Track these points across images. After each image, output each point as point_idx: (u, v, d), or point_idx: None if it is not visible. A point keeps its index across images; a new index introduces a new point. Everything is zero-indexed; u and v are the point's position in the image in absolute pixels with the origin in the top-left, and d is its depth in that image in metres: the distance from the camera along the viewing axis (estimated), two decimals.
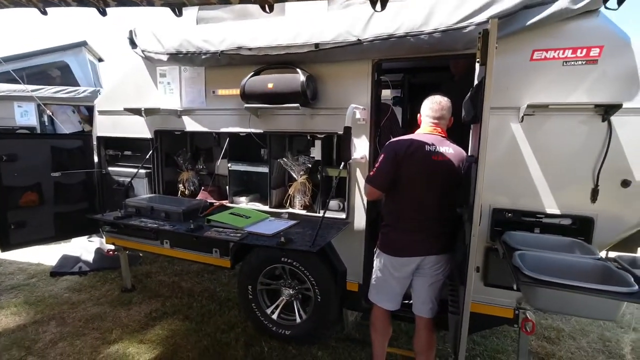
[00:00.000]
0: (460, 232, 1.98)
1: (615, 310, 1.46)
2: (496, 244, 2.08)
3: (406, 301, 2.27)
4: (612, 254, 1.94)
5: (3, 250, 3.11)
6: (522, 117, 2.01)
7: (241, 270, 2.90)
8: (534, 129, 2.03)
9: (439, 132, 2.08)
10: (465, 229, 1.78)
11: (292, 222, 2.63)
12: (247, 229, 2.45)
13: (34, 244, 3.34)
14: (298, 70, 2.47)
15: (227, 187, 3.12)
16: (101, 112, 3.43)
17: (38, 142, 3.35)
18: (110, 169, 3.53)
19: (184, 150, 3.46)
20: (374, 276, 2.24)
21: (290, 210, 2.84)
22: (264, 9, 1.46)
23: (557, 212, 2.05)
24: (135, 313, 3.25)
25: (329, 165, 2.80)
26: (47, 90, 5.42)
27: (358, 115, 2.42)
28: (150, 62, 3.03)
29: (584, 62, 1.90)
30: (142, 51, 2.95)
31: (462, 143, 2.16)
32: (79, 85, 6.37)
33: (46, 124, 5.89)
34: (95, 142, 3.54)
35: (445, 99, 2.10)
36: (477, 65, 1.94)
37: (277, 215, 2.81)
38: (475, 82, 2.05)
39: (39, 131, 5.74)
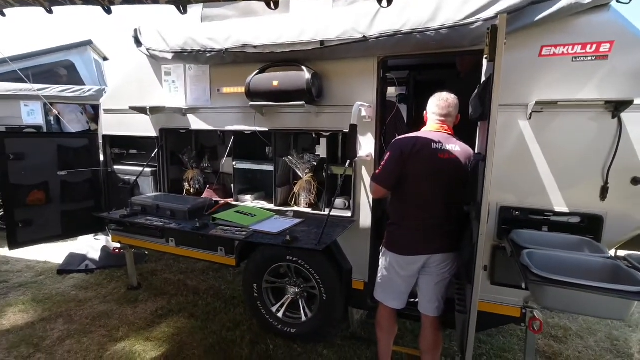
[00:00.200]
0: (467, 231, 1.96)
1: (625, 310, 1.44)
2: (504, 242, 2.07)
3: (412, 299, 2.26)
4: (621, 253, 1.92)
5: (11, 249, 3.14)
6: (530, 114, 1.98)
7: (246, 268, 2.91)
8: (542, 126, 2.00)
9: (446, 130, 2.06)
10: (472, 227, 1.76)
11: (298, 221, 2.62)
12: (252, 227, 2.45)
13: (41, 242, 3.36)
14: (303, 67, 2.45)
15: (232, 185, 3.12)
16: (107, 111, 3.44)
17: (45, 141, 3.36)
18: (116, 167, 3.55)
19: (189, 148, 3.46)
20: (379, 274, 2.24)
21: (296, 208, 2.83)
22: (269, 5, 1.45)
23: (565, 210, 2.03)
24: (142, 311, 3.28)
25: (334, 163, 2.79)
26: (53, 89, 5.45)
27: (364, 113, 2.41)
28: (155, 60, 3.03)
29: (594, 58, 1.87)
30: (147, 49, 2.96)
31: (469, 141, 2.14)
32: (84, 84, 6.40)
33: (52, 122, 5.93)
34: (101, 141, 3.56)
35: (452, 96, 2.08)
36: (485, 62, 1.91)
37: (283, 214, 2.80)
38: (483, 78, 2.02)
39: (45, 130, 5.78)
